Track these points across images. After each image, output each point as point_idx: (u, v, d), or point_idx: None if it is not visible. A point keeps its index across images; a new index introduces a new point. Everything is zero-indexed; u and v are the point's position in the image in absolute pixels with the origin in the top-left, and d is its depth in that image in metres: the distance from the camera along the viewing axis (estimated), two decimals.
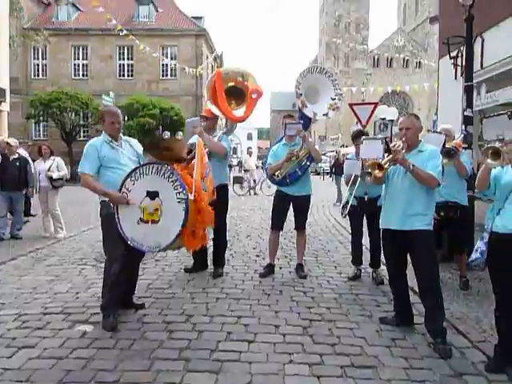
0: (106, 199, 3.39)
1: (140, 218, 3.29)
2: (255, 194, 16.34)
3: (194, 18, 29.57)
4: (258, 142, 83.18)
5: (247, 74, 4.55)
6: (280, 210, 4.76)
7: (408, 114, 3.38)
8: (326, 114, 4.72)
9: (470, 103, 4.75)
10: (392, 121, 16.61)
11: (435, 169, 3.08)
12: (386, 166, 3.07)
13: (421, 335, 3.23)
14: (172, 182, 3.25)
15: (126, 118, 22.21)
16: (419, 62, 58.05)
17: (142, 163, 3.49)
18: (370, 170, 3.13)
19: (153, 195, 3.28)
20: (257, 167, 17.53)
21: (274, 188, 4.68)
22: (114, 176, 3.40)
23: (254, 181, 16.69)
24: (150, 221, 3.28)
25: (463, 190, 4.41)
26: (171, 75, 28.06)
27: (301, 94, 4.62)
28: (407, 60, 55.19)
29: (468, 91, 4.80)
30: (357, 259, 4.84)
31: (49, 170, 7.00)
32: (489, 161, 2.49)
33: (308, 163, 4.56)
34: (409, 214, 3.14)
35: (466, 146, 4.58)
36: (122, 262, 3.39)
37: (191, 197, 3.28)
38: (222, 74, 4.42)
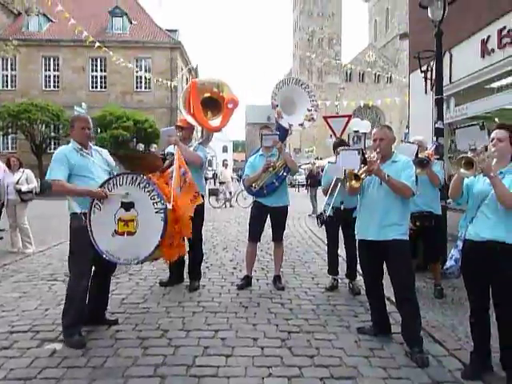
0: (77, 211, 3.25)
1: (115, 230, 3.19)
2: (231, 206, 16.29)
3: (168, 30, 29.59)
4: (234, 155, 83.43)
5: (222, 84, 4.56)
6: (257, 222, 4.73)
7: (381, 126, 3.43)
8: (301, 125, 4.76)
9: (440, 115, 4.90)
10: (365, 133, 16.99)
11: (409, 179, 3.11)
12: (362, 177, 3.10)
13: (398, 344, 3.23)
14: (148, 192, 3.20)
15: (99, 130, 21.86)
16: (390, 77, 60.05)
17: (115, 174, 3.40)
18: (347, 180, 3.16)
19: (128, 206, 3.20)
20: (232, 179, 17.50)
21: (250, 200, 4.68)
22: (83, 185, 3.26)
23: (230, 193, 16.65)
24: (125, 233, 3.20)
25: (437, 199, 4.51)
26: (145, 87, 27.87)
27: (277, 105, 4.65)
28: (378, 75, 56.90)
29: (438, 104, 4.96)
30: (333, 269, 4.84)
31: (17, 182, 6.75)
32: (462, 170, 2.53)
33: (285, 174, 4.56)
34: (385, 224, 3.15)
35: (438, 156, 4.70)
36: (91, 276, 3.26)
37: (169, 206, 3.24)
38: (198, 84, 4.42)
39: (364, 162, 3.07)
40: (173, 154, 4.56)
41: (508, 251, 2.52)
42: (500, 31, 6.46)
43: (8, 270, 5.60)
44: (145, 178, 3.24)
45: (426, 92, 8.76)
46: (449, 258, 2.85)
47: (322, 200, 13.67)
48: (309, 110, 4.81)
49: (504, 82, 6.85)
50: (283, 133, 4.66)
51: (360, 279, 4.90)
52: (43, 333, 3.38)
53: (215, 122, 4.56)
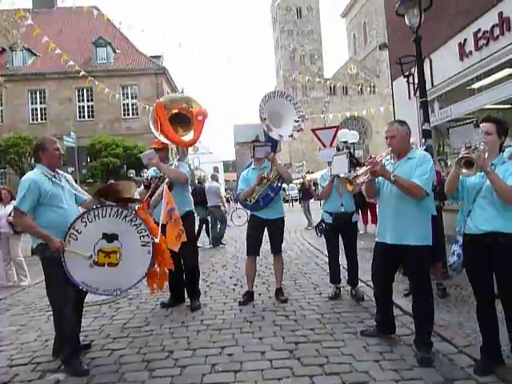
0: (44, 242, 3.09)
1: (94, 261, 3.15)
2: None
3: (152, 56, 29.95)
4: (225, 175, 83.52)
5: (190, 100, 4.60)
6: (255, 236, 4.71)
7: (392, 122, 3.25)
8: (291, 136, 4.80)
9: (426, 117, 4.99)
10: (353, 143, 17.21)
11: (421, 177, 2.91)
12: (362, 180, 3.06)
13: (407, 346, 3.20)
14: (135, 225, 3.26)
15: (89, 159, 21.82)
16: (373, 88, 61.16)
17: (84, 198, 3.44)
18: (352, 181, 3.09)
19: (111, 238, 3.21)
20: (226, 199, 17.44)
21: (245, 218, 4.68)
22: (54, 215, 3.14)
23: (225, 212, 16.57)
24: (106, 264, 3.18)
25: (432, 200, 4.53)
26: (133, 114, 27.99)
27: (265, 119, 4.69)
28: (361, 87, 57.92)
29: (423, 106, 5.05)
30: (335, 278, 4.82)
31: (10, 215, 6.66)
32: (464, 171, 2.50)
33: (279, 184, 4.58)
34: (399, 227, 3.03)
35: None
36: (72, 305, 3.15)
37: (156, 240, 3.34)
38: (163, 103, 4.46)
39: (357, 164, 3.07)
40: (156, 178, 4.58)
41: (509, 241, 2.53)
42: (476, 33, 6.67)
43: (4, 304, 5.48)
44: (132, 211, 3.29)
45: (409, 97, 8.93)
46: (450, 254, 2.85)
47: (315, 212, 13.67)
48: (296, 121, 4.87)
49: (483, 82, 7.04)
50: (274, 145, 4.70)
51: (362, 285, 4.90)
52: (44, 364, 3.29)
53: (188, 136, 4.57)
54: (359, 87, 55.11)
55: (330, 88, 62.13)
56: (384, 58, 57.64)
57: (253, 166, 4.76)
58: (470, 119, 2.89)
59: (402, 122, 3.20)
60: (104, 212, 3.20)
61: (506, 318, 2.64)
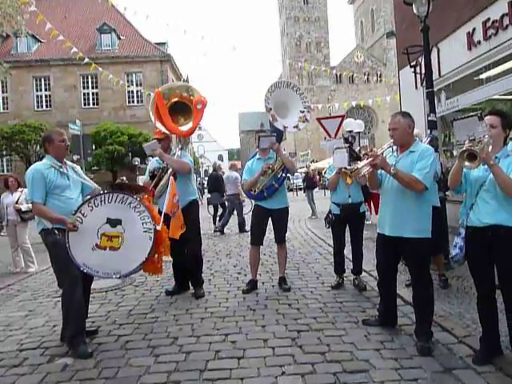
0: (49, 227, 3.26)
1: (96, 244, 3.28)
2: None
3: (157, 43, 29.79)
4: (229, 163, 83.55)
5: (190, 88, 4.60)
6: (260, 225, 4.75)
7: (395, 114, 3.21)
8: (296, 127, 4.81)
9: (432, 108, 4.96)
10: (359, 133, 17.11)
11: (421, 171, 2.92)
12: (363, 173, 3.07)
13: (408, 336, 3.25)
14: (139, 212, 3.38)
15: (94, 147, 21.91)
16: (379, 76, 60.49)
17: (93, 187, 3.53)
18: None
19: (114, 223, 3.33)
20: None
21: (249, 207, 4.70)
22: (60, 205, 3.29)
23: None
24: (107, 247, 3.31)
25: (435, 192, 4.54)
26: (138, 101, 27.96)
27: (270, 109, 4.69)
28: (368, 75, 57.32)
29: (430, 97, 5.02)
30: (339, 268, 4.85)
31: (17, 202, 6.75)
32: (466, 163, 2.50)
33: (284, 175, 4.60)
34: (399, 219, 3.05)
35: (433, 149, 4.73)
36: (78, 285, 3.28)
37: (158, 227, 3.46)
38: (162, 93, 4.46)
39: (357, 157, 3.09)
40: (160, 168, 4.61)
41: (510, 234, 2.55)
42: (484, 23, 6.58)
43: (12, 289, 5.59)
44: (136, 198, 3.41)
45: (416, 87, 8.87)
46: (453, 246, 2.87)
47: (319, 202, 13.70)
48: (301, 112, 4.86)
49: (491, 72, 6.96)
50: (279, 135, 4.71)
51: (365, 275, 4.95)
52: (52, 349, 3.38)
53: (187, 125, 4.58)
54: (366, 76, 54.49)
55: (336, 76, 61.51)
56: (391, 46, 56.85)
57: (258, 156, 4.77)
58: (476, 111, 2.88)
59: (406, 114, 3.18)
60: (110, 198, 3.35)
61: (506, 310, 2.67)
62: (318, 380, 2.64)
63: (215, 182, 10.75)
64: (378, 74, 61.39)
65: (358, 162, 3.11)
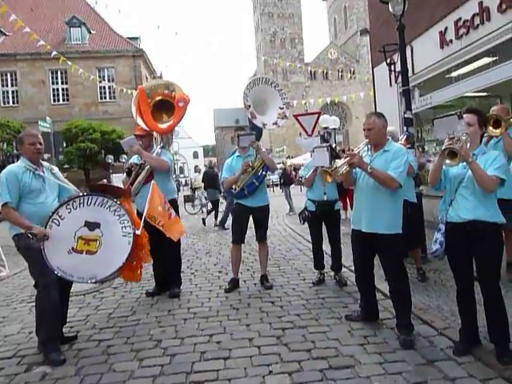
0: (22, 231, 3.11)
1: (72, 248, 3.18)
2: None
3: (130, 38, 29.14)
4: (205, 160, 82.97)
5: (172, 85, 4.55)
6: (241, 224, 4.73)
7: (369, 114, 3.32)
8: (275, 123, 4.81)
9: (408, 105, 5.07)
10: (334, 129, 17.31)
11: (396, 169, 3.03)
12: (342, 171, 3.11)
13: (390, 329, 3.32)
14: (119, 215, 3.30)
15: (65, 145, 21.26)
16: (353, 73, 61.35)
17: (84, 193, 3.36)
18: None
19: (92, 226, 3.24)
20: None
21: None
22: (33, 209, 3.17)
23: (206, 198, 16.53)
24: (84, 251, 3.21)
25: (411, 188, 4.64)
26: (110, 97, 27.30)
27: (249, 106, 4.67)
28: (342, 71, 58.02)
29: (405, 95, 5.12)
30: (319, 264, 4.90)
31: None
32: (447, 161, 2.58)
33: (264, 173, 4.59)
34: (374, 216, 3.14)
35: (410, 145, 4.85)
36: (53, 287, 3.16)
37: (138, 232, 3.37)
38: (146, 90, 4.40)
39: (337, 156, 3.12)
40: (137, 165, 4.53)
41: (489, 229, 2.64)
42: (456, 22, 6.75)
43: None
44: (116, 202, 3.32)
45: (390, 85, 9.04)
46: (433, 241, 2.93)
47: (296, 198, 13.75)
48: (281, 108, 4.87)
49: (462, 70, 7.17)
50: (258, 132, 4.69)
51: (345, 271, 5.01)
52: (30, 357, 3.25)
53: (168, 123, 4.54)
54: (339, 73, 55.16)
55: (311, 73, 62.00)
56: (364, 43, 57.77)
57: (237, 154, 4.74)
58: (449, 108, 2.96)
59: (380, 115, 3.28)
60: (90, 200, 3.26)
61: (484, 302, 2.76)
62: (305, 378, 2.65)
63: (211, 179, 11.19)
64: (352, 70, 62.25)
65: (337, 160, 3.15)
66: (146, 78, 29.56)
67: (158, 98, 4.45)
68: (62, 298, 3.36)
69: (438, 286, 4.33)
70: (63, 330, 3.50)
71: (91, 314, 4.19)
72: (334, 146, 8.50)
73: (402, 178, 3.05)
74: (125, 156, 26.08)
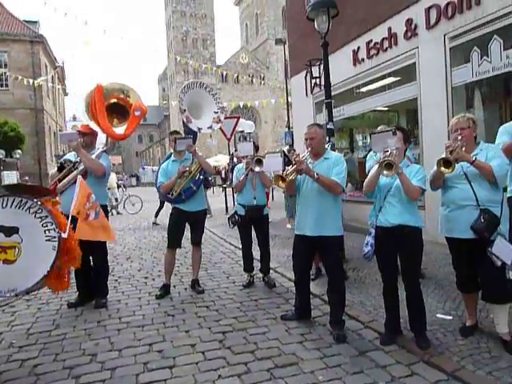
0: None
1: None
2: (118, 213, 15.39)
3: (27, 21, 26.32)
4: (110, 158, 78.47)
5: (129, 90, 4.36)
6: (177, 228, 4.66)
7: (312, 124, 3.53)
8: (210, 127, 4.83)
9: (330, 117, 5.47)
10: (249, 133, 17.75)
11: (339, 175, 3.29)
12: (290, 177, 3.27)
13: (322, 326, 3.57)
14: (40, 218, 2.98)
15: None
16: (263, 79, 63.36)
17: None
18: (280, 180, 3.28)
19: (9, 231, 2.91)
20: (118, 186, 16.47)
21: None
22: None
23: (116, 199, 15.68)
24: (1, 260, 2.89)
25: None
26: (2, 85, 24.37)
27: (185, 110, 4.62)
28: (252, 76, 59.49)
29: (328, 107, 5.52)
30: (249, 267, 5.03)
31: None
32: (385, 172, 2.87)
33: (201, 177, 4.57)
34: (320, 220, 3.35)
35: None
36: None
37: (64, 235, 3.07)
38: (103, 89, 4.14)
39: (289, 162, 3.27)
40: (71, 161, 4.22)
41: (412, 232, 3.02)
42: (368, 43, 7.47)
43: None
44: (37, 202, 3.00)
45: (306, 95, 9.61)
46: (364, 244, 3.25)
47: (212, 200, 13.76)
48: (215, 113, 4.91)
49: (372, 86, 7.95)
50: (195, 136, 4.66)
51: (272, 272, 5.22)
52: None
53: (120, 129, 4.33)
54: (250, 77, 56.53)
55: (222, 75, 62.47)
56: (274, 51, 60.07)
57: (173, 158, 4.65)
58: (363, 122, 3.31)
59: (320, 126, 3.56)
60: (5, 202, 2.91)
61: (407, 297, 3.14)
62: (254, 378, 2.73)
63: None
64: (262, 76, 64.23)
65: (288, 167, 3.29)
66: (46, 67, 27.01)
67: (113, 101, 4.18)
68: None
69: (358, 284, 4.75)
70: None
71: (5, 332, 3.74)
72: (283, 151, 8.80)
73: (343, 183, 3.34)
74: (19, 151, 23.48)
